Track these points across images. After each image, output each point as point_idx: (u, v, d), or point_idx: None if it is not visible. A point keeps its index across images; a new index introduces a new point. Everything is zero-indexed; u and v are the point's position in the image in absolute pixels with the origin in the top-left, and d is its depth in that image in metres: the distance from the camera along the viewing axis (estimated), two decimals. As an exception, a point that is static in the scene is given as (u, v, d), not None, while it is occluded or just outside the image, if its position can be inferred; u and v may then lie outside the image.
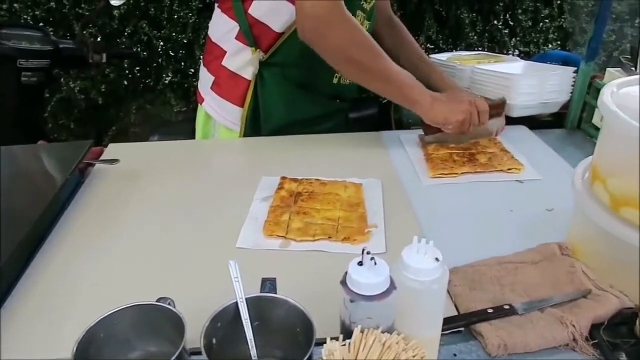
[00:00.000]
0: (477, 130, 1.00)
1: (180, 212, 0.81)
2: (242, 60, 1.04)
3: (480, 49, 2.15)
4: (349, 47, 0.89)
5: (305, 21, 0.88)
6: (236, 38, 1.03)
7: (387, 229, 0.74)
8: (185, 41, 2.07)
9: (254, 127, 1.08)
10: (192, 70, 2.17)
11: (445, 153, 0.98)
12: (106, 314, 0.48)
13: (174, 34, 2.07)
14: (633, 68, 1.08)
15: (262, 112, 1.06)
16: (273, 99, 1.05)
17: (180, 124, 1.68)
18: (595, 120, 1.12)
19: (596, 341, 0.54)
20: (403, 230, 0.74)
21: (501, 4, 2.12)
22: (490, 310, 0.57)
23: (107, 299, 0.54)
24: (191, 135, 1.17)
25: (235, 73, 1.05)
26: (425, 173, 0.93)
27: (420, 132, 1.06)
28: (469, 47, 2.12)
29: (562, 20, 2.15)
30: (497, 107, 1.03)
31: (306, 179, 0.87)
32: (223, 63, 1.06)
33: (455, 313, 0.59)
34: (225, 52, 1.05)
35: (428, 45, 2.14)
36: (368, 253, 0.45)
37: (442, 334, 0.52)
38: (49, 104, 2.07)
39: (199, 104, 1.13)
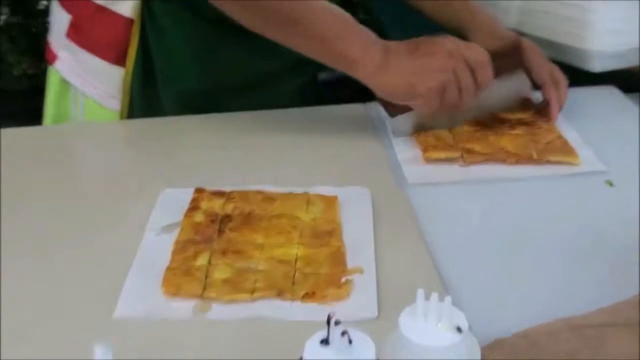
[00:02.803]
0: (480, 102, 0.97)
1: (18, 255, 0.77)
2: None
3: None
4: None
5: None
6: None
7: (382, 275, 0.72)
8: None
9: (147, 100, 1.07)
10: (45, 2, 2.12)
11: (445, 134, 1.00)
12: None
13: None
14: None
15: (158, 73, 1.05)
16: (176, 50, 1.05)
17: (27, 98, 1.65)
18: None
19: None
20: (408, 274, 0.73)
21: None
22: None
23: None
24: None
25: (105, 8, 1.04)
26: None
27: None
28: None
29: None
30: (508, 54, 1.00)
31: (240, 192, 0.85)
32: None
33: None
34: None
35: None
36: (337, 323, 0.43)
37: None
38: None
39: (49, 65, 1.12)
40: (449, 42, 0.93)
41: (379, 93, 0.95)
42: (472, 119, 1.03)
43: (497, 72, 0.95)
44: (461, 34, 1.07)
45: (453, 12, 1.12)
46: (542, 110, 1.05)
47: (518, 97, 1.06)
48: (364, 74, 0.92)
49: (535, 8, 1.16)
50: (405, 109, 0.97)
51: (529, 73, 1.04)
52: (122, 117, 1.09)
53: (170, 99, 1.07)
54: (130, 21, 1.03)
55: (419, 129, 1.01)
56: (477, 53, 0.93)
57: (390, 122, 1.02)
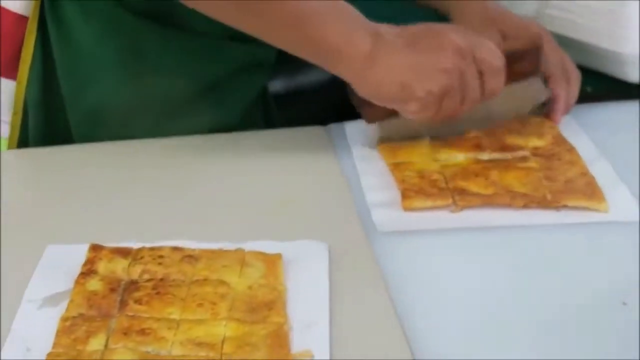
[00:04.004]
0: (480, 111, 0.98)
1: None
2: None
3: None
4: None
5: None
6: None
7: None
8: None
9: (46, 123, 1.08)
10: None
11: (432, 169, 1.00)
12: None
13: None
14: None
15: (64, 84, 1.05)
16: (89, 52, 1.04)
17: None
18: None
19: None
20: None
21: None
22: None
23: None
24: None
25: None
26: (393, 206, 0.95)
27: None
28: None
29: None
30: (525, 57, 1.01)
31: (152, 249, 0.83)
32: None
33: None
34: None
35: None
36: None
37: None
38: None
39: None
40: (458, 37, 0.92)
41: (361, 92, 0.93)
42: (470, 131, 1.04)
43: (510, 77, 0.96)
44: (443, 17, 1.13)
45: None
46: (547, 111, 1.09)
47: (529, 106, 1.08)
48: (347, 69, 0.92)
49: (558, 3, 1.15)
50: (387, 114, 0.97)
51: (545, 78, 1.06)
52: (11, 147, 1.08)
53: (79, 120, 1.06)
54: (23, 20, 1.04)
55: (403, 138, 1.02)
56: (491, 55, 0.93)
57: (369, 129, 1.03)
